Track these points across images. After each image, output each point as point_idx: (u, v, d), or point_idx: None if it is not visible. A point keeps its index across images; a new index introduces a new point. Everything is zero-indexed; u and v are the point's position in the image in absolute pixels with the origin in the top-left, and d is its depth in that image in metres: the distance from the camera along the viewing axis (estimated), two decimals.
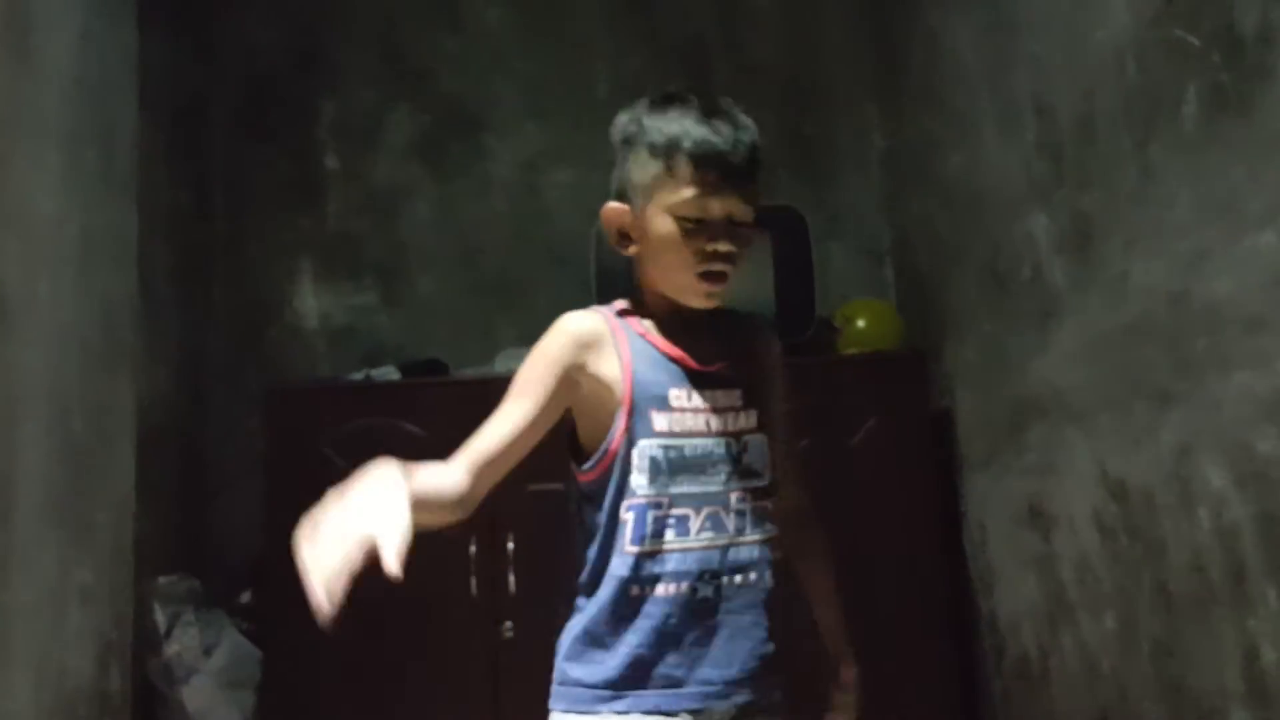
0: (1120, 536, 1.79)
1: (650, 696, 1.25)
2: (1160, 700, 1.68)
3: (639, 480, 1.27)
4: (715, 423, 1.30)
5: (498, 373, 2.58)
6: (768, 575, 1.31)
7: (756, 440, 1.32)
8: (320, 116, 3.20)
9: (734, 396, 1.32)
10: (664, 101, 1.32)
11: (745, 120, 1.31)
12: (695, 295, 1.31)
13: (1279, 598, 1.38)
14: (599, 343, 1.31)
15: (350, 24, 3.24)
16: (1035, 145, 2.03)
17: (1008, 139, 2.16)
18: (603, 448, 1.28)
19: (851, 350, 2.71)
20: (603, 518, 1.28)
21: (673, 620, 1.25)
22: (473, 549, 2.43)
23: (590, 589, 1.29)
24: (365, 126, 3.19)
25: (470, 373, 2.76)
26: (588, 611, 1.29)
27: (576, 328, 1.32)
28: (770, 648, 1.30)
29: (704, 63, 3.20)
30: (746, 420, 1.32)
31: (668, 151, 1.28)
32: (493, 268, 3.07)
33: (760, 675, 1.29)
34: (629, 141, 1.33)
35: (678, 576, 1.26)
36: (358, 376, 2.80)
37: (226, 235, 3.13)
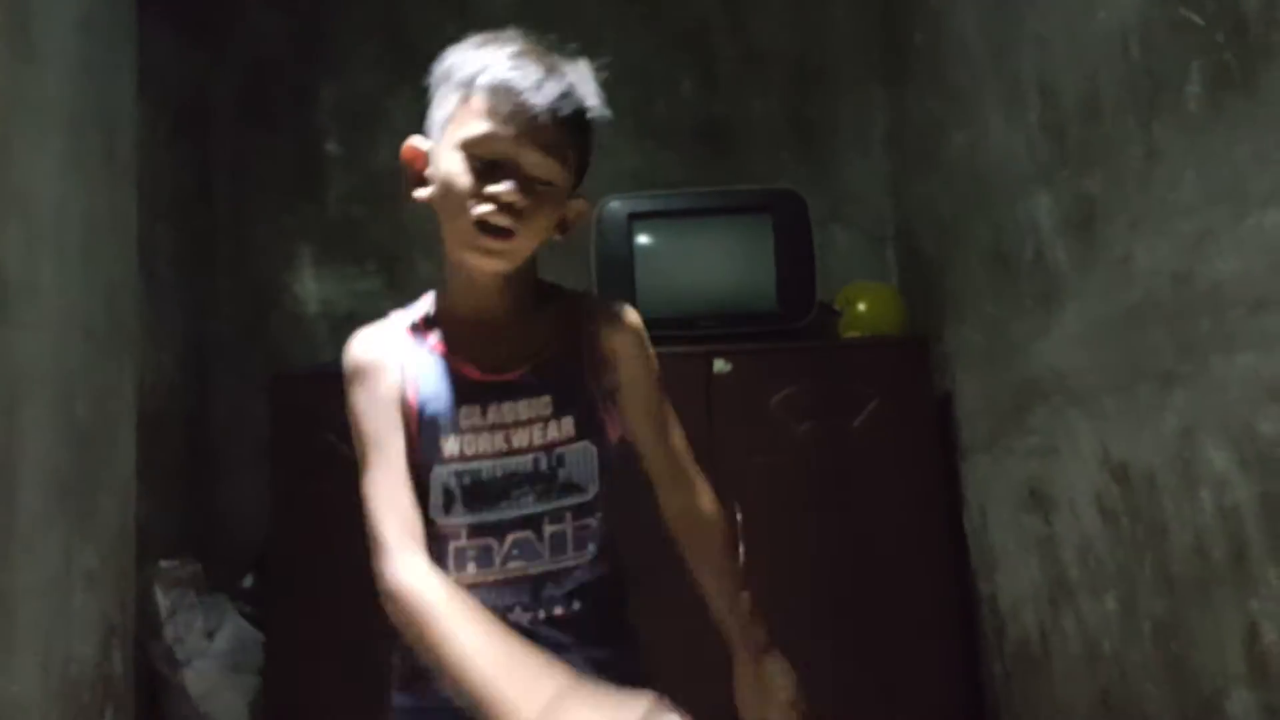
0: (1122, 518, 1.78)
1: None
2: (1162, 681, 1.68)
3: (435, 511, 1.15)
4: (519, 437, 1.16)
5: None
6: (593, 599, 1.18)
7: (575, 451, 1.16)
8: (322, 101, 3.20)
9: (541, 405, 1.17)
10: (484, 40, 1.18)
11: (575, 76, 1.16)
12: (473, 250, 1.13)
13: None
14: (381, 367, 1.18)
15: (352, 8, 3.23)
16: (1039, 126, 2.02)
17: (1011, 120, 2.15)
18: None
19: (853, 334, 2.71)
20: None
21: None
22: None
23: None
24: (367, 111, 3.18)
25: None
26: (404, 649, 1.17)
27: (361, 356, 1.19)
28: (610, 676, 1.06)
29: (708, 46, 3.19)
30: (559, 430, 1.16)
31: (466, 83, 1.14)
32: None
33: None
34: (439, 77, 1.20)
35: (500, 601, 1.14)
36: None
37: (229, 220, 3.13)
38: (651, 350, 1.26)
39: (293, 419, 2.56)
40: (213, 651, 2.48)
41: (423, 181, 1.20)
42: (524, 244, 1.14)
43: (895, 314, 2.75)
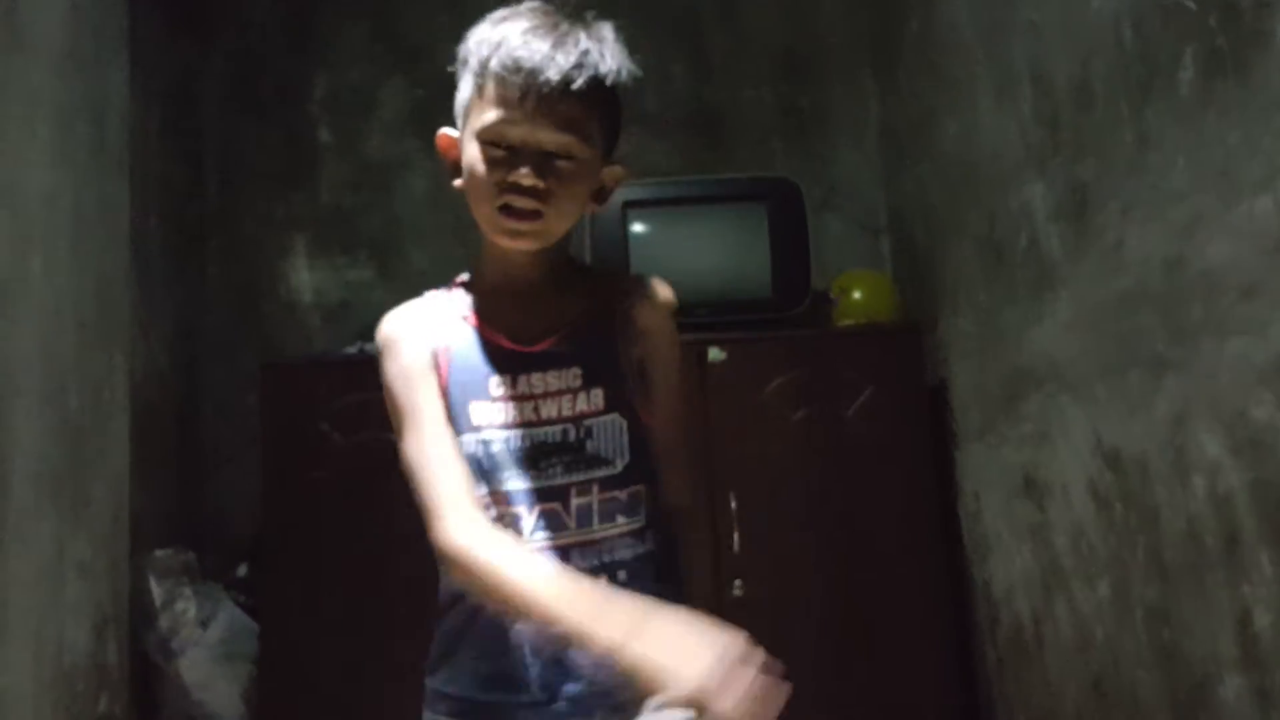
0: (1115, 505, 1.79)
1: (488, 714, 1.15)
2: (1154, 667, 1.69)
3: None
4: (548, 408, 1.16)
5: None
6: (626, 574, 1.15)
7: (604, 423, 1.17)
8: (313, 91, 3.18)
9: (571, 376, 1.17)
10: (501, 16, 1.16)
11: (590, 43, 1.13)
12: (500, 233, 1.15)
13: (1272, 564, 1.38)
14: (409, 338, 1.19)
15: None
16: (1032, 113, 2.02)
17: (1004, 108, 2.14)
18: None
19: (847, 322, 2.71)
20: None
21: (510, 632, 1.12)
22: None
23: (441, 591, 1.20)
24: (359, 100, 3.17)
25: None
26: (443, 616, 1.19)
27: (395, 328, 1.21)
28: None
29: (699, 34, 3.18)
30: (589, 401, 1.17)
31: (480, 70, 1.13)
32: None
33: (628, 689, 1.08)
34: (460, 60, 1.18)
35: None
36: (352, 351, 2.80)
37: (220, 210, 3.12)
38: (676, 332, 1.27)
39: (284, 408, 2.55)
40: (207, 640, 2.48)
41: (457, 167, 1.19)
42: (553, 223, 1.14)
43: (889, 302, 2.75)
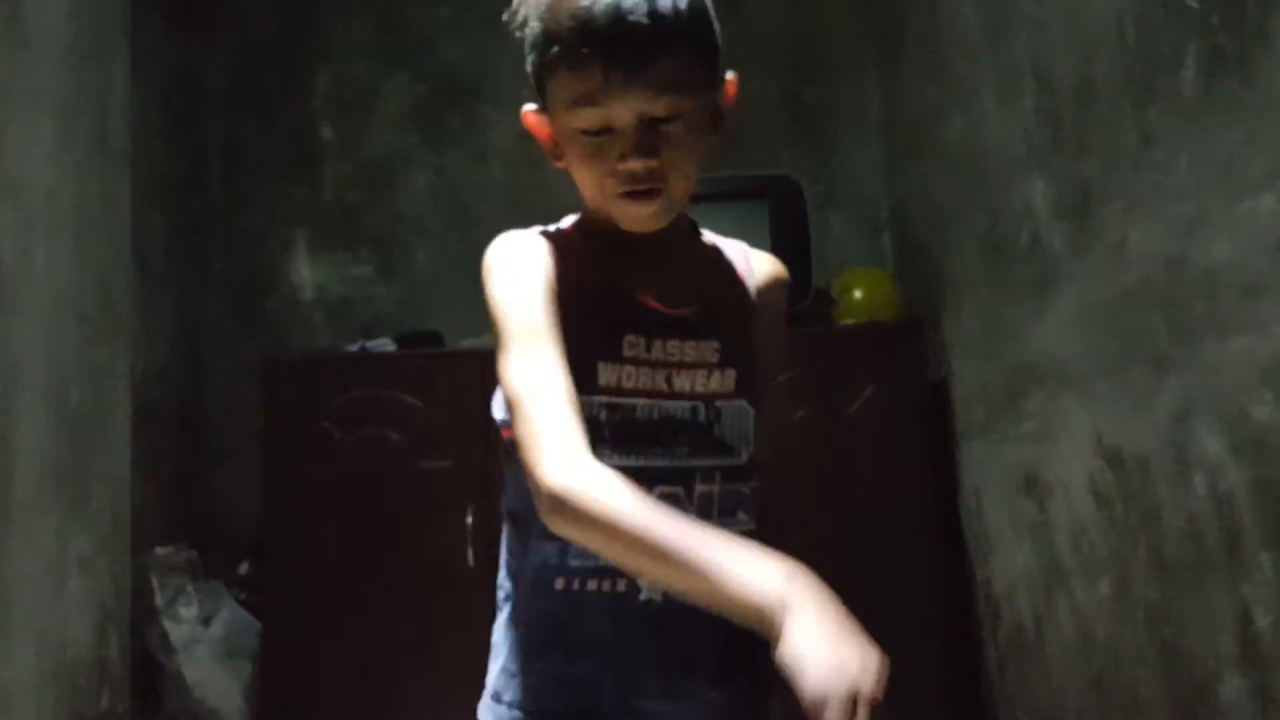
0: (1116, 503, 1.79)
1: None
2: (1154, 666, 1.69)
3: None
4: (681, 381, 1.03)
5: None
6: None
7: (734, 408, 1.05)
8: (316, 86, 3.18)
9: (708, 350, 1.05)
10: None
11: None
12: (624, 220, 1.02)
13: (1273, 563, 1.38)
14: (538, 263, 1.03)
15: None
16: (1034, 111, 2.01)
17: (1007, 105, 2.14)
18: None
19: (849, 320, 2.71)
20: (523, 488, 0.95)
21: (612, 627, 1.00)
22: (469, 519, 2.43)
23: (512, 578, 1.07)
24: (361, 96, 3.17)
25: (467, 344, 2.75)
26: (513, 610, 1.06)
27: (524, 253, 1.05)
28: (735, 653, 1.02)
29: None
30: (722, 381, 1.04)
31: (545, 38, 0.97)
32: (490, 238, 3.04)
33: (727, 687, 1.02)
34: (520, 23, 1.02)
35: (616, 572, 0.98)
36: (354, 348, 2.80)
37: (222, 206, 3.12)
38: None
39: (286, 404, 2.56)
40: (208, 637, 2.48)
41: (556, 147, 1.05)
42: (677, 191, 1.02)
43: (891, 300, 2.75)
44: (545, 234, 1.09)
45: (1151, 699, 1.70)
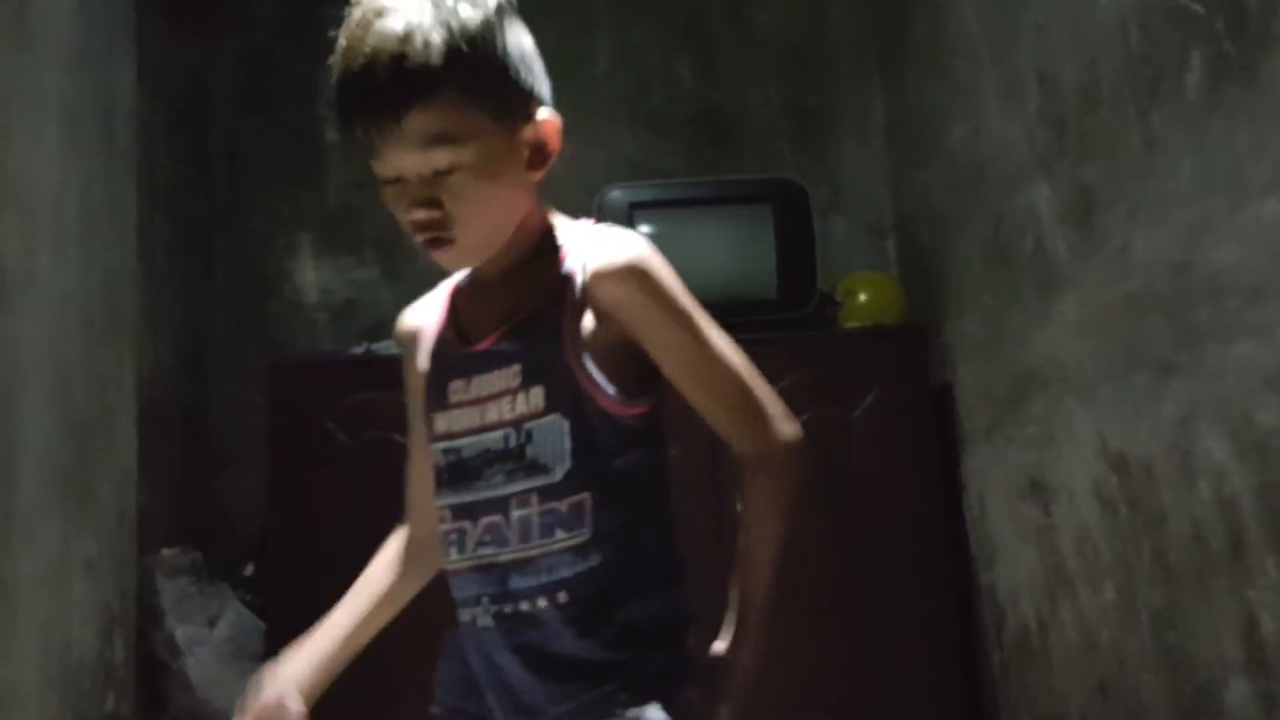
0: (1120, 508, 1.79)
1: None
2: (1159, 671, 1.69)
3: (433, 491, 1.11)
4: (490, 412, 1.05)
5: None
6: (567, 594, 1.01)
7: (544, 426, 1.02)
8: (321, 90, 3.18)
9: (510, 375, 1.04)
10: (339, 31, 1.00)
11: (408, 24, 0.94)
12: (437, 261, 1.06)
13: (1278, 568, 1.38)
14: (406, 344, 1.15)
15: None
16: (1038, 115, 2.01)
17: (1010, 110, 2.14)
18: None
19: (853, 324, 2.71)
20: None
21: (471, 657, 1.06)
22: None
23: None
24: None
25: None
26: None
27: (398, 331, 1.18)
28: (587, 686, 1.01)
29: (706, 34, 3.18)
30: (528, 403, 1.03)
31: (333, 93, 1.00)
32: None
33: (565, 701, 1.01)
34: None
35: (461, 603, 1.07)
36: (358, 350, 2.80)
37: (227, 209, 3.12)
38: (668, 286, 1.05)
39: (291, 408, 2.56)
40: (214, 639, 2.48)
41: None
42: (471, 236, 1.02)
43: (895, 304, 2.75)
44: (435, 292, 1.17)
45: (1156, 704, 1.70)
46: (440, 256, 1.03)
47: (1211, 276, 1.48)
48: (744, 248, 2.69)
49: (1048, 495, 2.07)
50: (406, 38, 0.93)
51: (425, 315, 1.16)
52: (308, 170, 3.14)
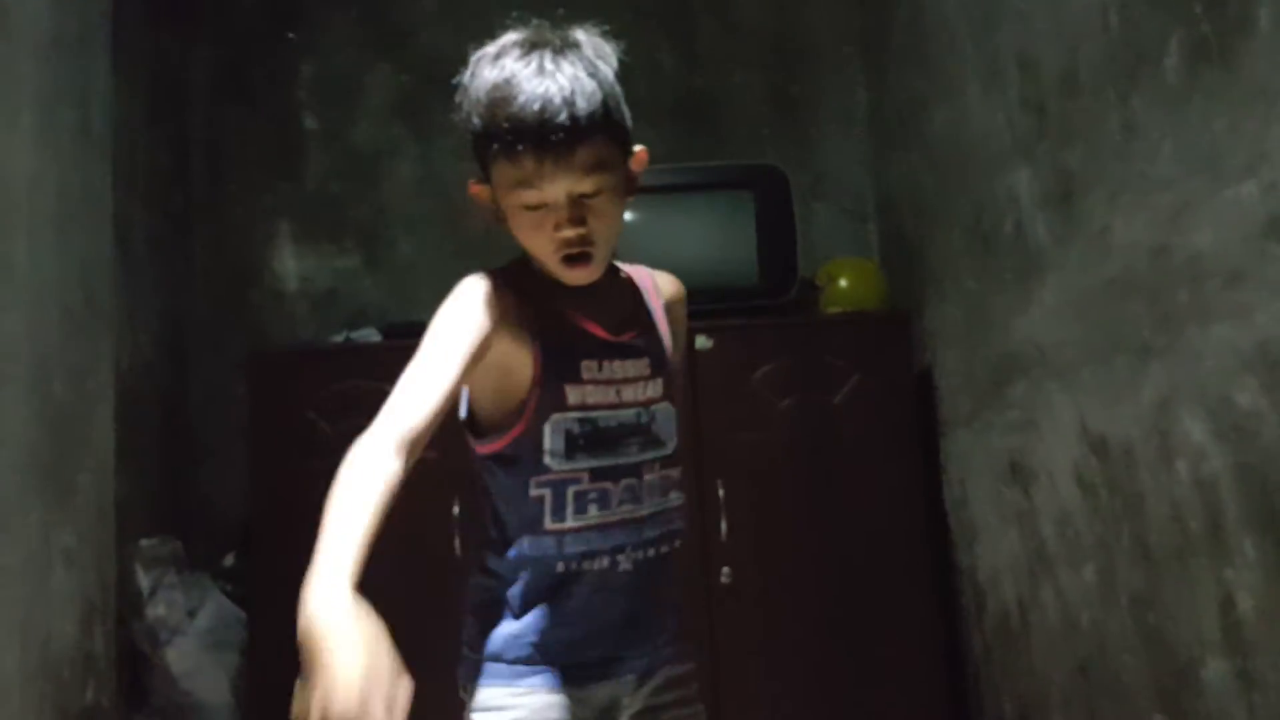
0: (1100, 491, 1.80)
1: (574, 671, 1.24)
2: (1139, 651, 1.70)
3: (553, 456, 1.23)
4: (626, 393, 1.28)
5: None
6: (678, 544, 1.31)
7: (663, 409, 1.31)
8: (299, 77, 3.17)
9: (642, 365, 1.30)
10: (490, 61, 1.19)
11: (569, 74, 1.15)
12: (567, 279, 1.23)
13: (1255, 549, 1.39)
14: (508, 311, 1.21)
15: None
16: (1019, 100, 2.02)
17: (991, 95, 2.15)
18: (509, 421, 1.23)
19: (834, 309, 2.72)
20: (512, 495, 1.25)
21: (597, 597, 1.24)
22: (455, 510, 2.43)
23: (507, 568, 1.26)
24: (345, 87, 3.16)
25: None
26: (507, 591, 1.26)
27: (488, 293, 1.21)
28: (679, 616, 1.33)
29: (689, 22, 3.17)
30: (653, 389, 1.30)
31: (485, 131, 1.17)
32: (474, 229, 3.05)
33: (677, 644, 1.31)
34: (461, 105, 1.22)
35: (601, 552, 1.25)
36: (339, 339, 2.79)
37: (206, 198, 3.10)
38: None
39: (271, 397, 2.55)
40: (194, 630, 2.48)
41: (499, 213, 1.24)
42: (604, 250, 1.22)
43: (876, 289, 2.75)
44: (506, 276, 1.25)
45: (1136, 684, 1.72)
46: (578, 272, 1.22)
47: (1191, 259, 1.49)
48: (726, 234, 2.69)
49: (1028, 478, 2.08)
50: (582, 81, 1.16)
51: (516, 295, 1.24)
52: (287, 159, 3.13)
